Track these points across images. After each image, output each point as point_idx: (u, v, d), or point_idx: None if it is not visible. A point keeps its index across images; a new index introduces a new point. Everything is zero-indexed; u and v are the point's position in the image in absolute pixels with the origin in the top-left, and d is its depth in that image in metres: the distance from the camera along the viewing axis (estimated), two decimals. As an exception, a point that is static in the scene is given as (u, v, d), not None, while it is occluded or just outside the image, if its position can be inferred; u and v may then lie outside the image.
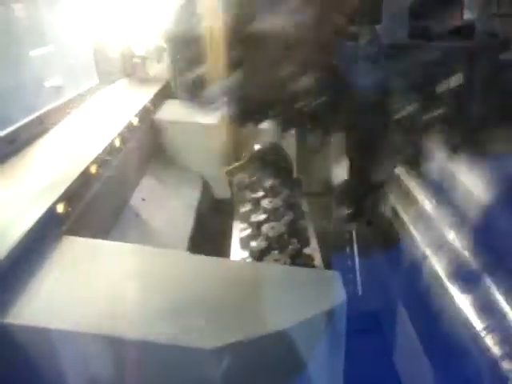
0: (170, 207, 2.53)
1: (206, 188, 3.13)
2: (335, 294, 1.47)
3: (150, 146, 2.88)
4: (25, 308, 1.21)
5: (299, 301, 1.42)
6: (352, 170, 1.83)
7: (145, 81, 3.52)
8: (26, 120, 2.15)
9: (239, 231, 2.55)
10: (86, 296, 1.31)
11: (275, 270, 1.71)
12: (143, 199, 2.41)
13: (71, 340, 1.18)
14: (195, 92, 1.89)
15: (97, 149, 2.05)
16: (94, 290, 1.33)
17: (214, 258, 1.59)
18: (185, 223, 2.46)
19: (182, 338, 1.20)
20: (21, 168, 1.87)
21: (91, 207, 1.83)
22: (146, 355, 1.20)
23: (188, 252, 1.77)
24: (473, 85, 1.84)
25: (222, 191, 3.29)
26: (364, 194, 1.74)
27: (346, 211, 1.70)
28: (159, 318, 1.26)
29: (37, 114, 2.21)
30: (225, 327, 1.27)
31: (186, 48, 1.68)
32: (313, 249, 2.37)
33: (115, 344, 1.19)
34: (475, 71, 1.80)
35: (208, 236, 2.49)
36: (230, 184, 3.29)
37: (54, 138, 2.22)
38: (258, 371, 1.28)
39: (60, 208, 1.56)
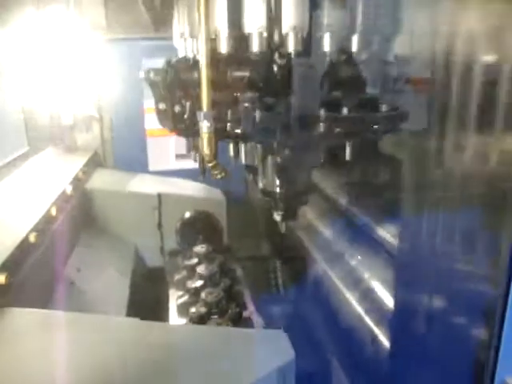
0: (105, 276, 2.48)
1: (138, 256, 3.10)
2: (284, 351, 1.54)
3: (82, 215, 2.84)
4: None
5: (251, 360, 1.47)
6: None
7: (73, 149, 3.51)
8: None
9: (176, 298, 2.55)
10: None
11: (224, 332, 1.74)
12: (78, 269, 2.35)
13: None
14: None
15: (34, 217, 2.01)
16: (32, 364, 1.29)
17: (163, 323, 1.60)
18: (121, 292, 2.42)
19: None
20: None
21: (29, 277, 1.78)
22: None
23: (129, 318, 1.74)
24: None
25: (153, 259, 3.27)
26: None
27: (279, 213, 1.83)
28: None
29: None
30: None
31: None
32: (251, 312, 2.43)
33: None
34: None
35: (145, 303, 2.46)
36: (162, 251, 3.30)
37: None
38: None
39: (2, 279, 1.51)
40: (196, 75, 1.62)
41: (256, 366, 1.45)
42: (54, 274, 2.12)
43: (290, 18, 1.54)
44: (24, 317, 1.51)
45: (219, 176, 1.79)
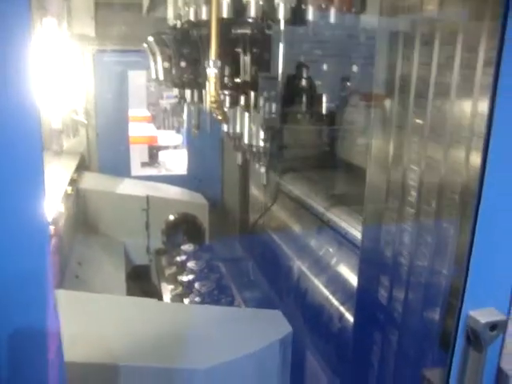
0: (103, 270, 2.67)
1: (126, 254, 3.29)
2: (283, 327, 1.81)
3: (77, 214, 3.01)
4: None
5: (257, 333, 1.74)
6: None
7: (60, 153, 3.66)
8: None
9: (169, 291, 2.78)
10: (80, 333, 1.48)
11: (233, 311, 2.00)
12: (79, 263, 2.54)
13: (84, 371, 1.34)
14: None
15: (48, 213, 2.20)
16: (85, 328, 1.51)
17: (180, 303, 1.84)
18: (120, 284, 2.61)
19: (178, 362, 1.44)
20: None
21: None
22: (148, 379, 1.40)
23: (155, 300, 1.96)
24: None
25: (139, 257, 3.47)
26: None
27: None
28: (154, 349, 1.48)
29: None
30: (208, 353, 1.54)
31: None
32: (239, 302, 2.69)
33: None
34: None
35: (142, 296, 2.66)
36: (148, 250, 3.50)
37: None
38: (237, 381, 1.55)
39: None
40: (203, 32, 1.95)
41: (262, 337, 1.72)
42: (63, 262, 2.30)
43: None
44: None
45: (220, 117, 2.13)
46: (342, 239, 2.75)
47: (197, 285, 2.66)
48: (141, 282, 3.23)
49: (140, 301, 1.88)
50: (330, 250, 2.89)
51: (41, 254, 0.90)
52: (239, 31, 1.92)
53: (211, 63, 1.93)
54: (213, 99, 2.01)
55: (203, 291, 2.60)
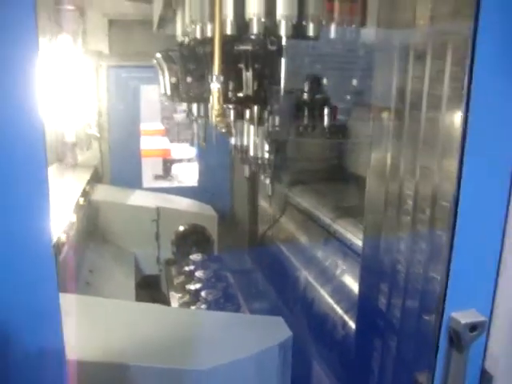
0: (113, 278, 2.76)
1: (136, 264, 3.38)
2: (283, 332, 1.87)
3: (89, 224, 3.12)
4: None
5: (258, 337, 1.80)
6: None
7: (75, 166, 3.79)
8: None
9: (177, 299, 2.85)
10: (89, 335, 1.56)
11: (234, 316, 2.06)
12: (90, 271, 2.63)
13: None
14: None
15: (61, 222, 2.30)
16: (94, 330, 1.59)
17: (187, 309, 1.91)
18: (129, 292, 2.69)
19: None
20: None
21: (59, 269, 2.06)
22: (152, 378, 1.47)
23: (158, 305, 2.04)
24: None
25: (149, 267, 3.55)
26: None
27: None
28: (159, 351, 1.55)
29: None
30: (209, 355, 1.60)
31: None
32: (244, 311, 2.75)
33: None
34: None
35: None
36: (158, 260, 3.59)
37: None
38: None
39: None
40: (209, 49, 2.03)
41: (262, 341, 1.78)
42: (74, 269, 2.40)
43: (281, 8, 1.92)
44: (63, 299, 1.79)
45: (224, 130, 2.22)
46: (348, 250, 2.82)
47: (203, 293, 2.73)
48: (151, 291, 3.31)
49: (146, 306, 1.96)
50: (337, 260, 2.95)
51: (46, 263, 0.96)
52: (241, 47, 2.01)
53: (214, 78, 2.02)
54: (216, 113, 2.10)
55: (209, 299, 2.67)
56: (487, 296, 1.17)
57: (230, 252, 3.77)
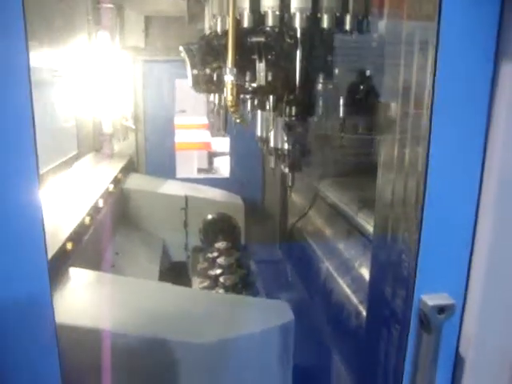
0: (139, 262, 2.91)
1: (164, 250, 3.53)
2: (286, 315, 1.93)
3: (120, 210, 3.29)
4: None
5: (260, 317, 1.88)
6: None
7: (111, 155, 3.99)
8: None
9: (198, 283, 2.96)
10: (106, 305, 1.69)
11: (241, 298, 2.16)
12: (117, 253, 2.79)
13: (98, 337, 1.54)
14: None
15: (87, 206, 2.46)
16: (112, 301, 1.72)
17: (198, 289, 2.01)
18: (153, 276, 2.84)
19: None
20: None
21: (85, 249, 2.22)
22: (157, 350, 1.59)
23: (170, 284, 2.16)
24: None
25: (177, 254, 3.70)
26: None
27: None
28: (164, 324, 1.66)
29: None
30: (211, 331, 1.70)
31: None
32: (261, 296, 2.83)
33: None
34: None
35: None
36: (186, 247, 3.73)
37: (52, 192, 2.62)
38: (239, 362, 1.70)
39: (69, 246, 1.95)
40: (224, 42, 2.10)
41: (263, 321, 1.85)
42: (101, 251, 2.56)
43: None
44: (85, 275, 1.94)
45: (238, 120, 2.31)
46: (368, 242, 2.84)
47: (222, 278, 2.83)
48: (177, 276, 3.44)
49: (161, 285, 2.09)
50: (357, 252, 2.97)
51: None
52: (254, 39, 2.08)
53: (228, 71, 2.11)
54: (230, 103, 2.18)
55: (227, 284, 2.76)
56: (460, 281, 1.19)
57: (256, 241, 3.86)
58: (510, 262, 1.14)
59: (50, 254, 1.78)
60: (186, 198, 3.65)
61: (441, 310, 1.14)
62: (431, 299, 1.15)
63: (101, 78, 3.79)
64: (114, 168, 3.54)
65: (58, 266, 1.83)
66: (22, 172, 1.02)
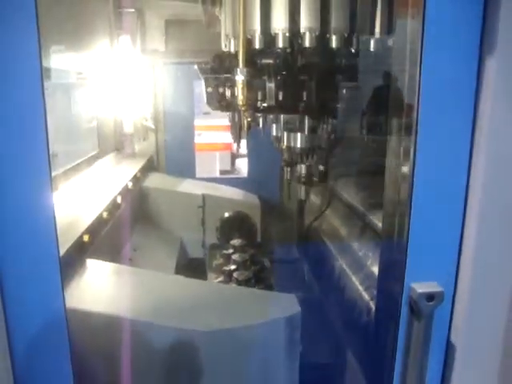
0: (155, 258, 3.01)
1: (182, 247, 3.62)
2: (293, 308, 1.98)
3: (139, 208, 3.40)
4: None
5: (267, 309, 1.93)
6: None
7: (132, 155, 4.12)
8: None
9: (213, 279, 3.04)
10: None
11: (249, 290, 2.22)
12: (135, 249, 2.89)
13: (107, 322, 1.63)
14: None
15: (105, 202, 2.57)
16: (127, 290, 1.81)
17: (208, 281, 2.09)
18: (168, 270, 2.93)
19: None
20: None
21: (102, 242, 2.32)
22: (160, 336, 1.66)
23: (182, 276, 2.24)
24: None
25: (195, 251, 3.79)
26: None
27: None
28: (171, 312, 1.74)
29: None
30: (215, 320, 1.76)
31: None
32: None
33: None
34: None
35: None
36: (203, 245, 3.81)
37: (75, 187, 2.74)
38: (240, 352, 1.76)
39: (86, 238, 2.05)
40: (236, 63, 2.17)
41: (269, 313, 1.91)
42: (118, 246, 2.66)
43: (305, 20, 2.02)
44: (102, 266, 2.04)
45: (249, 118, 2.37)
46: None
47: (235, 274, 2.89)
48: (195, 273, 3.53)
49: (173, 277, 2.18)
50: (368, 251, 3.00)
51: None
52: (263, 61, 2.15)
53: (239, 71, 2.17)
54: (241, 103, 2.26)
55: (240, 279, 2.83)
56: (450, 269, 1.22)
57: (272, 240, 3.92)
58: (498, 250, 1.17)
59: (68, 245, 1.89)
60: (204, 197, 3.74)
61: (430, 297, 1.18)
62: (420, 287, 1.19)
63: (122, 80, 3.92)
64: (133, 167, 3.65)
65: (75, 257, 1.93)
66: (34, 173, 1.09)
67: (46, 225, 1.11)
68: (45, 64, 2.87)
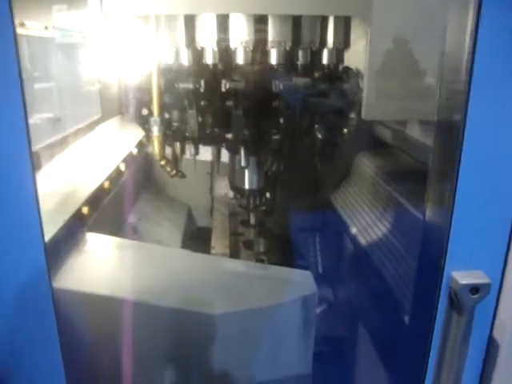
0: (161, 227, 2.87)
1: (190, 215, 3.48)
2: (309, 286, 1.84)
3: (144, 175, 3.24)
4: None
5: (283, 288, 1.79)
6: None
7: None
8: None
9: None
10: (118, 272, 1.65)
11: (263, 266, 2.08)
12: (139, 218, 2.75)
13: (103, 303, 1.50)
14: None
15: (108, 170, 2.41)
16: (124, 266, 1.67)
17: (217, 256, 1.95)
18: (174, 241, 2.80)
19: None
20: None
21: (103, 214, 2.18)
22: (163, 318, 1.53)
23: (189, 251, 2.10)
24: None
25: (203, 220, 3.64)
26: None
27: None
28: (176, 291, 1.60)
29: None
30: (225, 302, 1.63)
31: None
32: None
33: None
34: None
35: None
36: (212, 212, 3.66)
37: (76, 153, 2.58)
38: (250, 335, 1.63)
39: (85, 210, 1.90)
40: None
41: (285, 292, 1.77)
42: (121, 216, 2.52)
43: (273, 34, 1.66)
44: (101, 240, 1.90)
45: (172, 173, 2.17)
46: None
47: (246, 244, 2.77)
48: (201, 241, 3.39)
49: (179, 251, 2.03)
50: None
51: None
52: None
53: (152, 121, 1.96)
54: (157, 158, 2.14)
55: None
56: (498, 256, 1.06)
57: (284, 209, 3.76)
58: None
59: (65, 218, 1.75)
60: (212, 163, 3.55)
61: (474, 289, 1.01)
62: (463, 277, 1.03)
63: (126, 38, 3.68)
64: (138, 132, 3.46)
65: (72, 231, 1.79)
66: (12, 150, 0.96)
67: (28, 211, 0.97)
68: (47, 23, 2.69)
